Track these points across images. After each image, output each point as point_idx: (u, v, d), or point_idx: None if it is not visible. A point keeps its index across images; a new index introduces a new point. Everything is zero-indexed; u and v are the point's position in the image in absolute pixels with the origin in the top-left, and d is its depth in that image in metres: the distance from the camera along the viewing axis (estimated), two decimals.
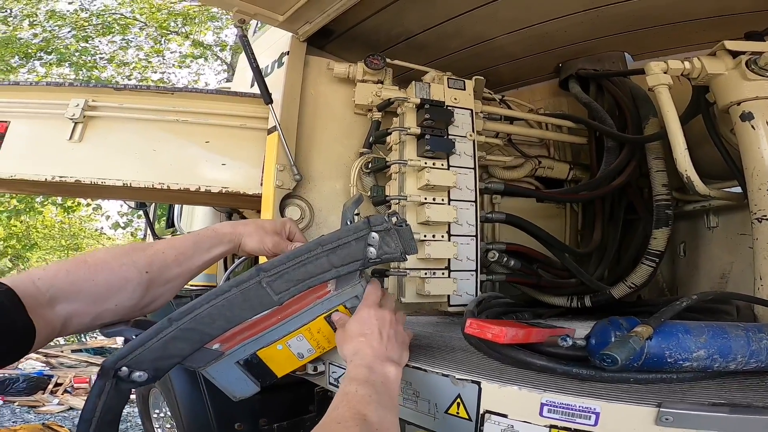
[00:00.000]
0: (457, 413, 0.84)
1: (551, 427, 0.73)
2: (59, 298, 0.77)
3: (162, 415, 2.83)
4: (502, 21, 1.82)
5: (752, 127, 1.19)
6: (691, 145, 1.28)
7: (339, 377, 1.08)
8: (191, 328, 0.85)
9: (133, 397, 3.51)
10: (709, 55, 1.31)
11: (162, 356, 0.83)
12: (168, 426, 2.78)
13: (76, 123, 1.67)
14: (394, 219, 0.90)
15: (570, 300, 1.68)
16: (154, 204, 3.33)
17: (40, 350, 6.99)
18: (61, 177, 1.58)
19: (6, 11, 9.43)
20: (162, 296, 0.92)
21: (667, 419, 0.66)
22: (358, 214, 1.08)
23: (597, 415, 0.70)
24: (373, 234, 0.90)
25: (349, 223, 0.95)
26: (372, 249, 0.90)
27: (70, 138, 1.66)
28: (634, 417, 0.69)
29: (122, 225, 9.59)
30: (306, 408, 2.57)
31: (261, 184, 1.56)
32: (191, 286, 2.51)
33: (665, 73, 1.32)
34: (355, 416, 0.64)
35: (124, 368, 0.80)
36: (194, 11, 9.93)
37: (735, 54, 1.27)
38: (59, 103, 1.69)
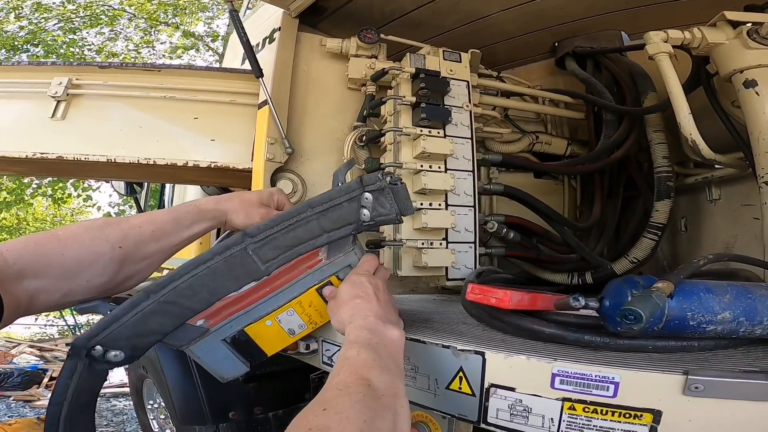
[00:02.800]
0: (460, 388, 0.78)
1: (564, 400, 0.67)
2: (27, 272, 0.72)
3: (156, 406, 2.78)
4: None
5: (756, 93, 1.17)
6: None
7: (333, 355, 1.02)
8: (171, 302, 0.80)
9: (127, 390, 3.44)
10: (709, 25, 1.29)
11: (139, 333, 0.78)
12: (162, 417, 2.74)
13: (59, 101, 1.62)
14: (388, 178, 0.84)
15: (570, 277, 1.65)
16: (145, 192, 3.26)
17: (34, 344, 6.95)
18: (42, 154, 1.52)
19: None
20: (139, 273, 0.87)
21: (696, 388, 0.60)
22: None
23: (616, 385, 0.64)
24: (366, 194, 0.84)
25: (340, 185, 0.90)
26: (365, 211, 0.85)
27: (53, 116, 1.60)
28: (659, 386, 0.62)
29: (114, 216, 9.49)
30: (302, 396, 2.54)
31: (251, 159, 1.51)
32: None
33: (665, 42, 1.30)
34: (359, 381, 0.58)
35: (98, 347, 0.75)
36: (185, 1, 9.79)
37: (735, 24, 1.25)
38: (42, 82, 1.63)
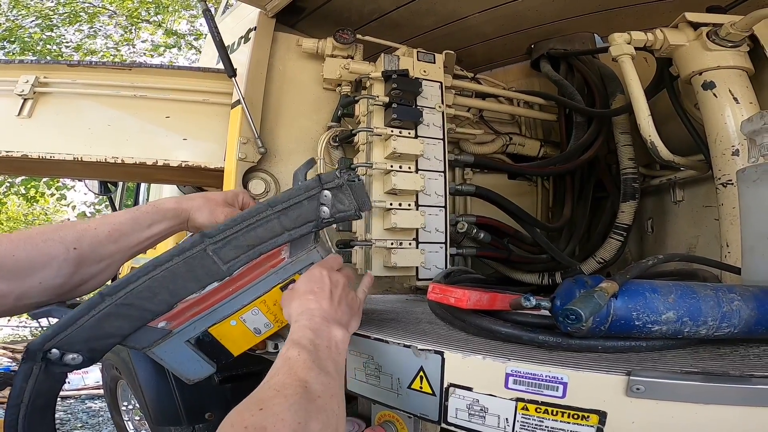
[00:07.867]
0: (421, 388, 0.78)
1: (518, 400, 0.67)
2: None
3: (131, 407, 2.75)
4: None
5: (714, 95, 1.19)
6: (656, 123, 1.28)
7: None
8: (129, 304, 0.79)
9: (101, 392, 3.37)
10: (671, 27, 1.32)
11: (96, 336, 0.77)
12: (137, 418, 2.71)
13: (25, 99, 1.58)
14: (346, 175, 0.85)
15: (541, 277, 1.67)
16: (120, 191, 3.20)
17: (6, 345, 6.74)
18: (7, 152, 1.48)
19: None
20: (98, 275, 0.86)
21: (638, 389, 0.60)
22: None
23: (565, 385, 0.64)
24: (326, 192, 0.85)
25: (300, 184, 0.90)
26: (325, 208, 0.86)
27: (19, 114, 1.57)
28: (603, 387, 0.62)
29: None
30: None
31: (224, 159, 1.50)
32: None
33: (628, 44, 1.32)
34: (295, 383, 0.59)
35: (55, 350, 0.74)
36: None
37: (696, 26, 1.28)
38: (9, 80, 1.59)
